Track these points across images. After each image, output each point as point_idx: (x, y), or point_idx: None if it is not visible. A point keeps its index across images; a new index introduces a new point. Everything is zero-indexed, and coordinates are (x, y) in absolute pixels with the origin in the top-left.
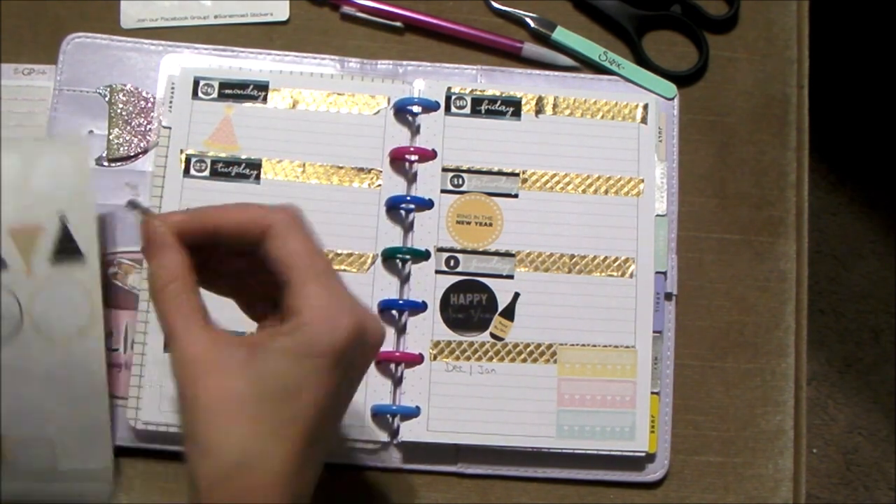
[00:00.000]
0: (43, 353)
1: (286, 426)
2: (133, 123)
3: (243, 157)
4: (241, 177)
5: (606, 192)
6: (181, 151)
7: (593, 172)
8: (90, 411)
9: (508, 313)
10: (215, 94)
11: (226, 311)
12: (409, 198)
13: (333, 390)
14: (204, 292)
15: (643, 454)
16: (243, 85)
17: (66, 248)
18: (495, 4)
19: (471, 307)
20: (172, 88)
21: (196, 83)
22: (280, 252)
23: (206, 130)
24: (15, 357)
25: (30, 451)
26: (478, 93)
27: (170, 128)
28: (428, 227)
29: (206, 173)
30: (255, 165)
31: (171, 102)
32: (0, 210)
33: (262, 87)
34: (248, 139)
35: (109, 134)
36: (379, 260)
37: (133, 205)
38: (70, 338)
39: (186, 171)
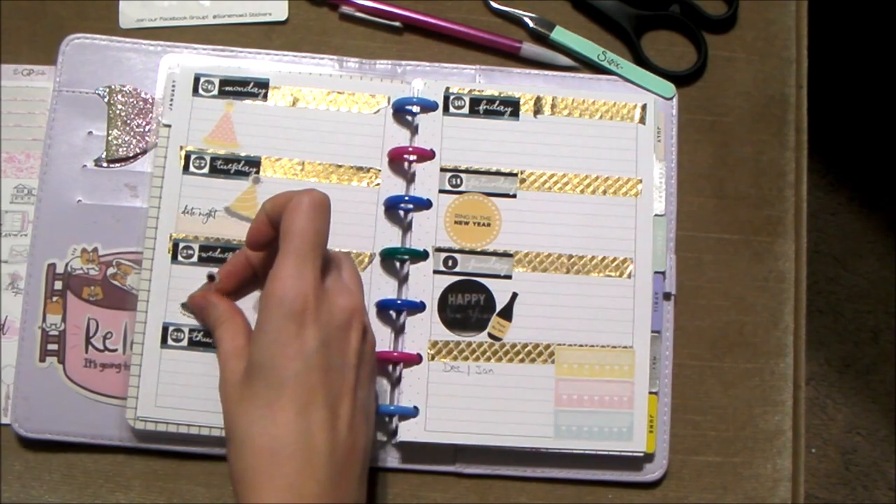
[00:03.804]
0: None
1: (277, 386)
2: (132, 124)
3: (243, 154)
4: (241, 174)
5: (605, 192)
6: (181, 148)
7: (592, 172)
8: None
9: (506, 313)
10: (216, 91)
11: None
12: (407, 198)
13: (312, 348)
14: None
15: (641, 454)
16: (244, 82)
17: None
18: (494, 4)
19: (469, 307)
20: (173, 85)
21: (196, 80)
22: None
23: (205, 127)
24: None
25: None
26: (476, 93)
27: (169, 126)
28: (426, 227)
29: (206, 170)
30: (255, 163)
31: (171, 100)
32: None
33: (263, 85)
34: (248, 136)
35: (108, 135)
36: (377, 259)
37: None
38: None
39: (186, 168)
